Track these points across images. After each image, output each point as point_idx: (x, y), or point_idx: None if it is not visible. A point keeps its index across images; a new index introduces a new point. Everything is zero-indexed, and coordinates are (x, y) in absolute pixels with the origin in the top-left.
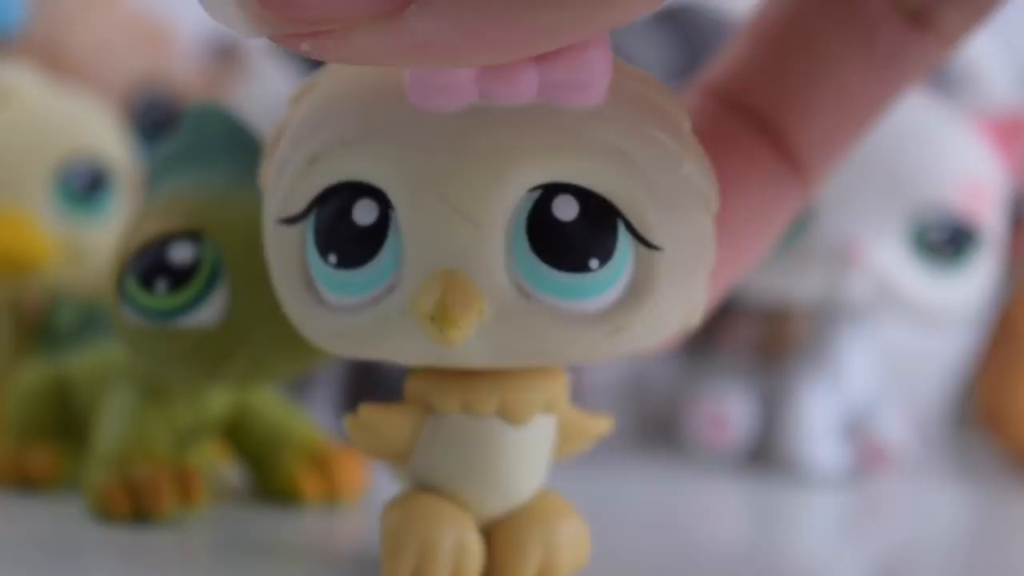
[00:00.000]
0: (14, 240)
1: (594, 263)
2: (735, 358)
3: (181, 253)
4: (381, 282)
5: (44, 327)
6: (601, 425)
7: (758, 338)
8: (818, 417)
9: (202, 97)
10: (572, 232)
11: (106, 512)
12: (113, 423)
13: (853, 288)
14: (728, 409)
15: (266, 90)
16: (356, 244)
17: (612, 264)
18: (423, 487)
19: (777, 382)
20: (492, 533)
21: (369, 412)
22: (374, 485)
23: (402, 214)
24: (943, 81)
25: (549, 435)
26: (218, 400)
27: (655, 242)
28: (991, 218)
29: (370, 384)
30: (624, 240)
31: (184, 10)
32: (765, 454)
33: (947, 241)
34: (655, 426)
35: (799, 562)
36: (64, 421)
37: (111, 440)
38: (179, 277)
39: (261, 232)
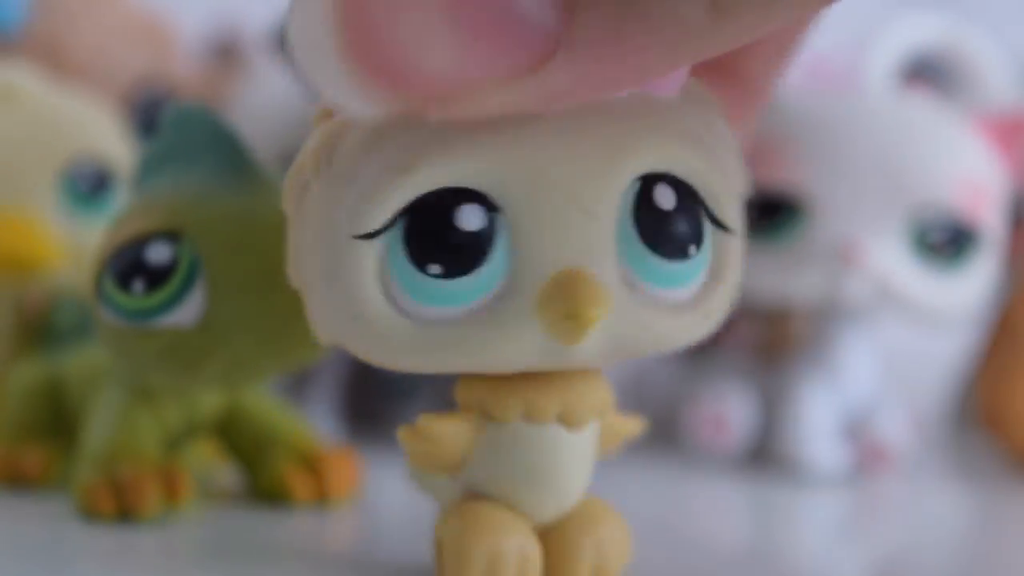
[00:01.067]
0: (19, 241)
1: (692, 249)
2: (735, 358)
3: (158, 253)
4: (489, 289)
5: (45, 327)
6: (634, 426)
7: (758, 338)
8: (818, 417)
9: (202, 96)
10: (674, 220)
11: (91, 511)
12: (102, 423)
13: (853, 288)
14: (728, 409)
15: (266, 89)
16: (463, 251)
17: (702, 250)
18: (477, 496)
19: (777, 382)
20: (545, 539)
21: (428, 422)
22: (365, 486)
23: (517, 215)
24: (943, 81)
25: (595, 439)
26: (208, 400)
27: (729, 225)
28: (991, 218)
29: (370, 384)
30: (706, 225)
31: (184, 10)
32: (765, 454)
33: (947, 241)
34: (655, 426)
35: (799, 562)
36: (57, 420)
37: (99, 440)
38: (156, 277)
39: (241, 233)
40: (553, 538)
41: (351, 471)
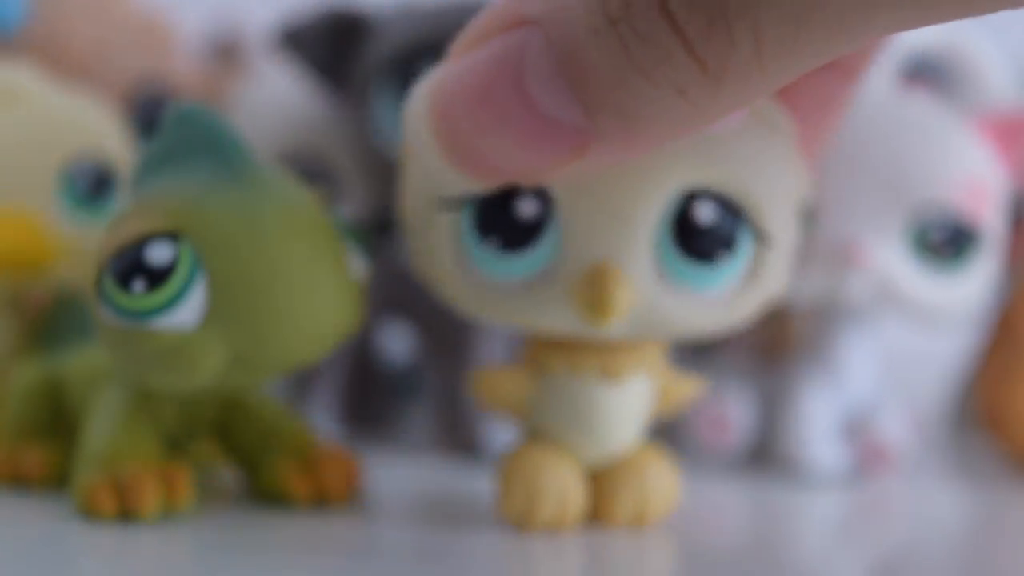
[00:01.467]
0: (20, 240)
1: (724, 258)
2: (735, 358)
3: (159, 253)
4: (539, 267)
5: (47, 327)
6: (691, 387)
7: (758, 338)
8: (818, 417)
9: (202, 96)
10: (710, 232)
11: (91, 511)
12: (102, 423)
13: (853, 288)
14: (728, 409)
15: (266, 89)
16: (517, 233)
17: (737, 258)
18: (537, 437)
19: (777, 382)
20: (596, 478)
21: (488, 370)
22: (364, 487)
23: (565, 212)
24: (943, 81)
25: (644, 394)
26: (208, 401)
27: (770, 240)
28: (991, 218)
29: (369, 385)
30: (746, 238)
31: (184, 10)
32: (765, 454)
33: (947, 241)
34: (655, 426)
35: (799, 562)
36: (57, 420)
37: (99, 440)
38: (156, 277)
39: (241, 233)
40: (602, 481)
41: (351, 471)
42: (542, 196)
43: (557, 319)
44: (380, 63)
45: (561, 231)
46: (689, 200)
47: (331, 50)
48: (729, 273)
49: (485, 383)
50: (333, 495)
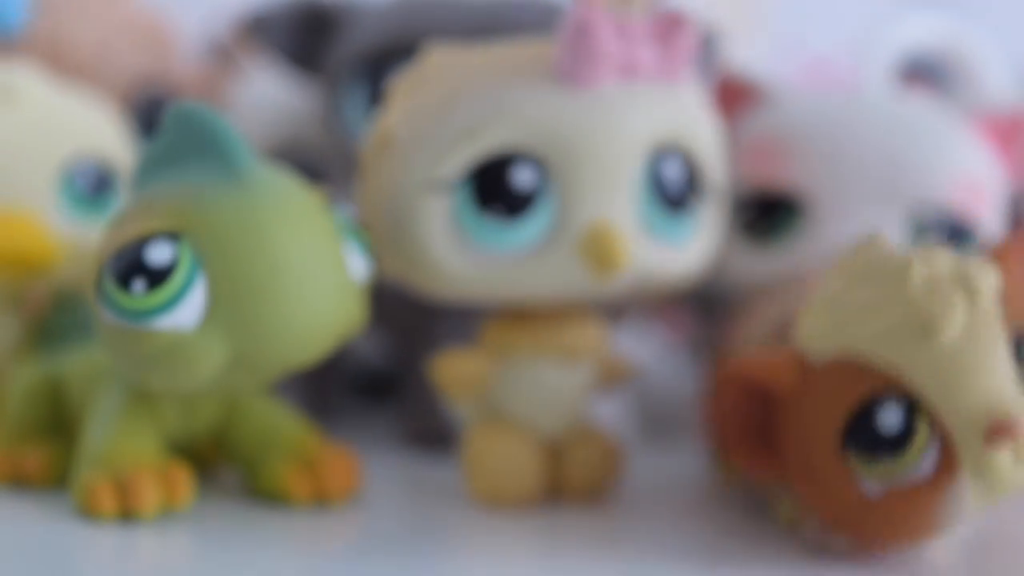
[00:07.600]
0: (20, 240)
1: (694, 207)
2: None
3: (159, 253)
4: (540, 232)
5: (47, 327)
6: (628, 369)
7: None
8: None
9: (202, 96)
10: (682, 184)
11: (92, 510)
12: (102, 423)
13: None
14: None
15: (264, 89)
16: (518, 200)
17: (699, 208)
18: (496, 417)
19: None
20: (553, 453)
21: (449, 355)
22: (363, 485)
23: (559, 178)
24: (943, 81)
25: (591, 373)
26: (208, 401)
27: (718, 188)
28: (990, 217)
29: (335, 381)
30: (703, 187)
31: (184, 10)
32: None
33: (946, 240)
34: (655, 426)
35: (798, 562)
36: (58, 420)
37: (99, 440)
38: (156, 277)
39: (241, 233)
40: (558, 453)
41: (349, 471)
42: (537, 164)
43: (565, 280)
44: (349, 62)
45: (559, 196)
46: (659, 157)
47: (301, 40)
48: (694, 223)
49: (446, 367)
50: (333, 495)
